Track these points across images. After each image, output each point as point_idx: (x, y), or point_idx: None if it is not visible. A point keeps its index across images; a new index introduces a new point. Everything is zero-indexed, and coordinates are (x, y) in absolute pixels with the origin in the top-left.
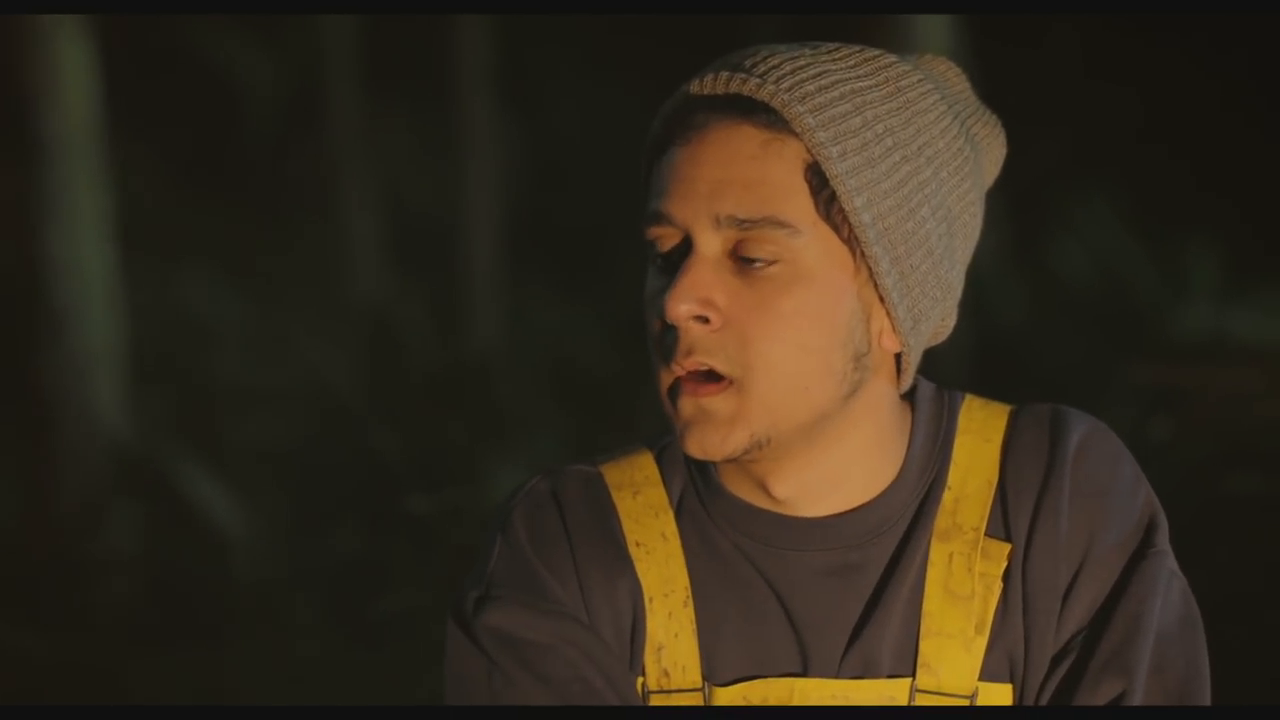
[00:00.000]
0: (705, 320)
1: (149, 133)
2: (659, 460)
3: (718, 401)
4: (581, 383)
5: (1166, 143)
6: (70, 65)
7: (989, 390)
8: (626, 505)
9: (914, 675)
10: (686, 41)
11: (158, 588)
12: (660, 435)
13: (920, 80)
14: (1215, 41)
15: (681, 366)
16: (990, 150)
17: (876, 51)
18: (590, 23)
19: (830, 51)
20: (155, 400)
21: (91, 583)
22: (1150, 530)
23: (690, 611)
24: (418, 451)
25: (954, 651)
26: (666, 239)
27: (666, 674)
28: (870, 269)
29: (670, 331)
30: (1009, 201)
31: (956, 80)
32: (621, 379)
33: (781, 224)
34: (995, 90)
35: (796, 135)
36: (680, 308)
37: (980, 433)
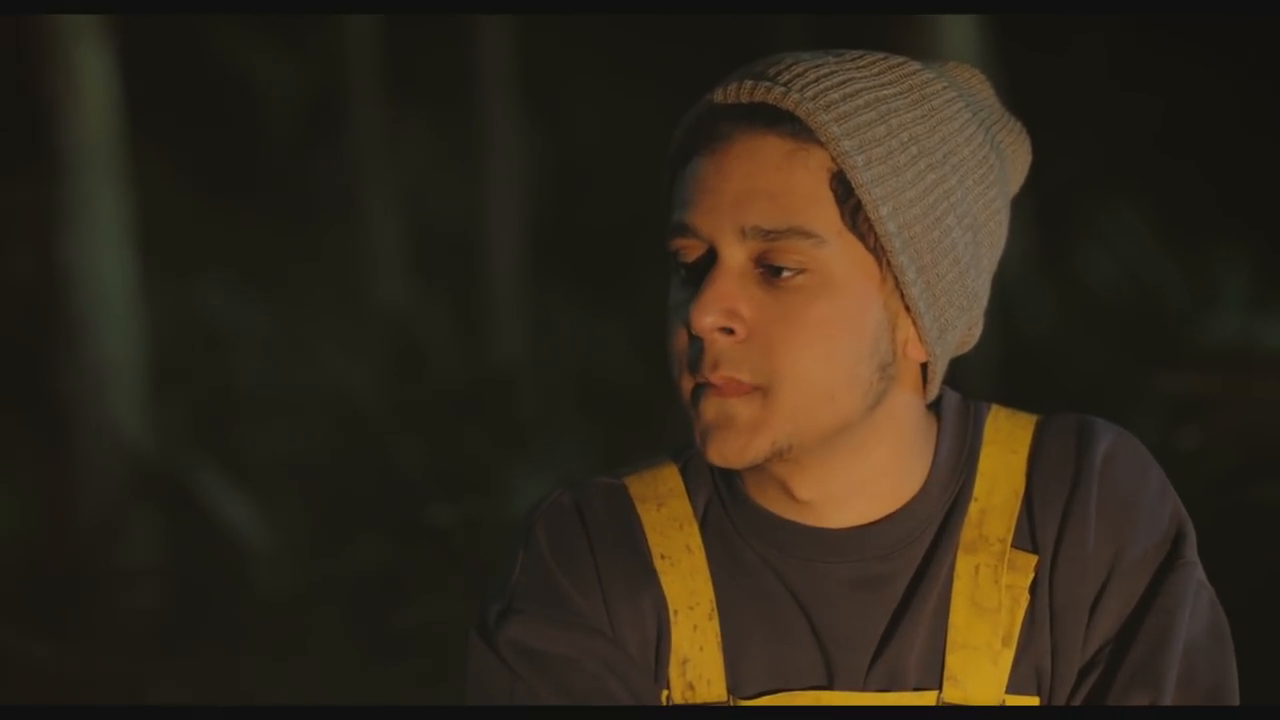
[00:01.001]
0: (730, 332)
1: (169, 140)
2: (683, 472)
3: (742, 405)
4: (606, 393)
5: (1194, 150)
6: (90, 72)
7: (1016, 400)
8: (651, 518)
9: (940, 689)
10: (710, 46)
11: (177, 599)
12: (685, 447)
13: (945, 88)
14: (1244, 49)
15: (706, 379)
16: (1016, 158)
17: (901, 59)
18: (614, 27)
19: (855, 59)
20: (175, 410)
21: (110, 594)
22: (1178, 541)
23: (715, 624)
24: (440, 462)
25: (981, 664)
26: (691, 250)
27: (691, 687)
28: (896, 278)
29: (695, 343)
30: (1035, 209)
31: (981, 88)
32: (647, 389)
33: (807, 234)
34: (1021, 97)
35: (821, 144)
36: (705, 319)
37: (1006, 443)
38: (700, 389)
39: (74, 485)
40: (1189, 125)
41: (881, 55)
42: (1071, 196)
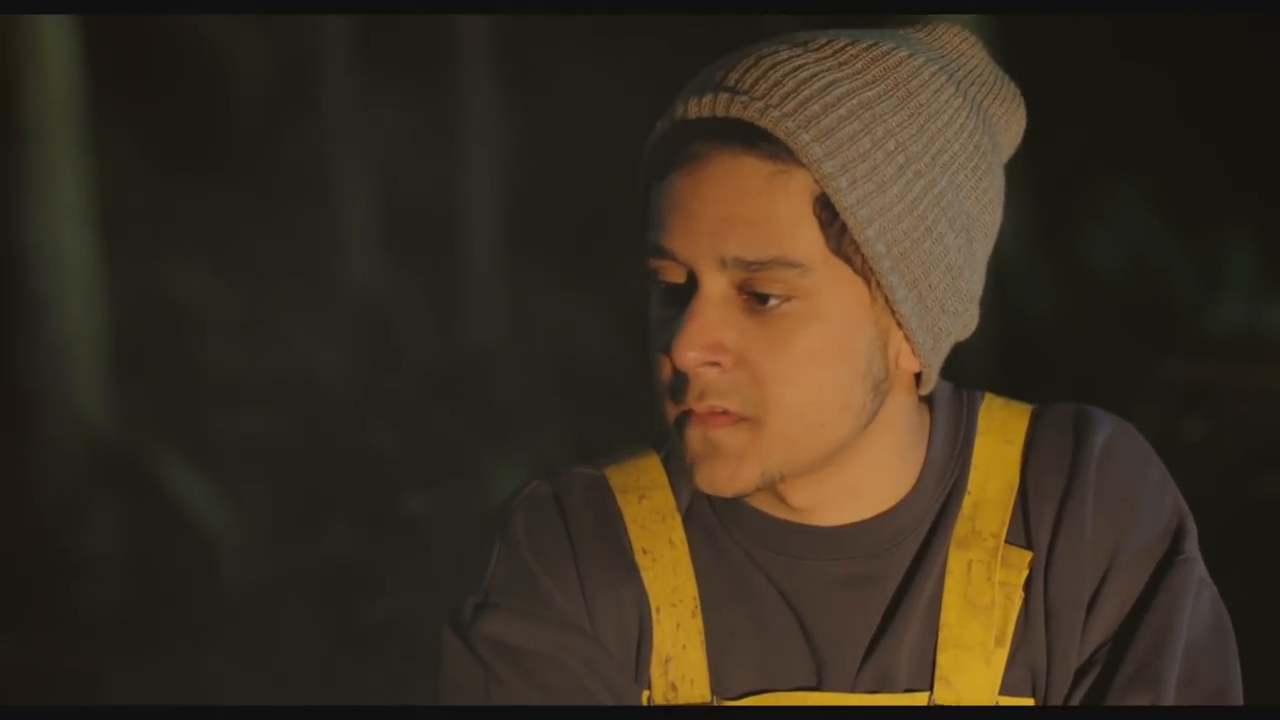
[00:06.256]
0: (716, 363)
1: (132, 115)
2: (666, 463)
3: (728, 434)
4: (584, 376)
5: (1201, 128)
6: (50, 45)
7: (1014, 388)
8: (632, 510)
9: (932, 689)
10: (689, 25)
11: (140, 589)
12: (668, 436)
13: (933, 74)
14: (1254, 23)
15: (692, 409)
16: (1009, 126)
17: (886, 46)
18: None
19: (835, 52)
20: (138, 393)
21: (70, 583)
22: (1178, 536)
23: (699, 622)
24: (413, 448)
25: (973, 664)
26: (670, 271)
27: (674, 687)
28: (886, 296)
29: (680, 374)
30: (1036, 190)
31: (971, 52)
32: (628, 373)
33: (791, 264)
34: (1022, 72)
35: (803, 165)
36: (689, 355)
37: (1001, 434)
38: (684, 416)
39: (33, 471)
40: (1197, 102)
41: (864, 43)
42: (1073, 176)
